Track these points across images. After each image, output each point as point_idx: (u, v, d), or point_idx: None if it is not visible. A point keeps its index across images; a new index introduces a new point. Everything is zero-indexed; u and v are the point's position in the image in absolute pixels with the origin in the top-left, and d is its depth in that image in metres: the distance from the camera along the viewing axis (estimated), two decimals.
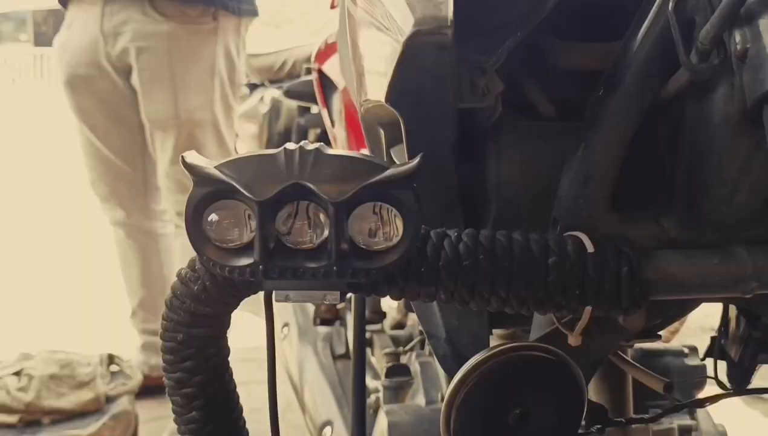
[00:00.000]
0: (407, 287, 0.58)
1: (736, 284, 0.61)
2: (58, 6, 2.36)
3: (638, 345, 0.99)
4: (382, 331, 1.55)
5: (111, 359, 1.90)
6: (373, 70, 0.62)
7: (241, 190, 0.53)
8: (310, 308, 1.72)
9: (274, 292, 0.58)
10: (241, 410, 0.69)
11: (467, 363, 0.61)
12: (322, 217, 0.53)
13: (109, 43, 2.22)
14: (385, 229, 0.54)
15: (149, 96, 2.25)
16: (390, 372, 1.20)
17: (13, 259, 4.52)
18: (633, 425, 0.84)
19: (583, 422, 0.65)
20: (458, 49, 0.60)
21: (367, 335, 1.51)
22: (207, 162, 0.54)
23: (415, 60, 0.55)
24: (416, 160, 0.54)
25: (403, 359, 1.30)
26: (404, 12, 0.55)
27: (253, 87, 3.09)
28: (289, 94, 2.34)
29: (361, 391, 1.19)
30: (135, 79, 2.25)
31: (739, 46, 0.51)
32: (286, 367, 1.75)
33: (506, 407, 0.61)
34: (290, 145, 0.54)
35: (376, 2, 0.61)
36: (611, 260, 0.58)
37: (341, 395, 1.53)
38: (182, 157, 0.55)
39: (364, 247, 0.54)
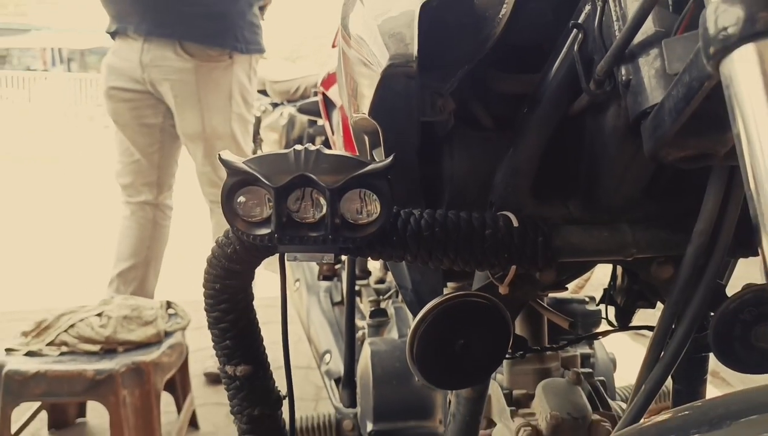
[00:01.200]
0: (383, 251, 0.59)
1: (620, 250, 0.61)
2: None
3: (552, 294, 0.99)
4: (368, 285, 1.55)
5: (168, 304, 1.89)
6: (360, 92, 0.61)
7: (262, 179, 0.53)
8: (315, 267, 1.71)
9: (285, 253, 0.58)
10: (262, 340, 0.69)
11: (426, 306, 0.61)
12: (321, 199, 0.54)
13: (146, 71, 2.19)
14: (367, 208, 0.55)
15: (182, 116, 2.23)
16: (372, 314, 1.20)
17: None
18: (547, 352, 0.85)
19: (509, 350, 0.65)
20: (422, 78, 0.60)
21: (357, 288, 1.52)
22: (237, 159, 0.55)
23: (389, 85, 0.55)
24: (389, 159, 0.54)
25: (383, 305, 1.30)
26: (382, 49, 0.55)
27: (275, 105, 3.07)
28: (301, 110, 2.32)
29: (351, 328, 1.19)
30: (169, 103, 2.22)
31: (624, 78, 0.51)
32: (298, 311, 1.75)
33: (453, 338, 0.61)
34: (298, 147, 0.55)
35: (362, 42, 0.61)
36: (530, 231, 0.59)
37: (337, 331, 1.53)
38: (219, 155, 0.56)
39: (351, 221, 0.55)
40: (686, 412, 0.48)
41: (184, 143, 2.30)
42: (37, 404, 1.87)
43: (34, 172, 7.81)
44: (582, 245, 0.61)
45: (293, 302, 1.81)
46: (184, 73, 2.17)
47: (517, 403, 0.82)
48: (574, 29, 0.55)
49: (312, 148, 0.54)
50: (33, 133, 10.12)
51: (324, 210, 0.54)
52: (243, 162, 0.54)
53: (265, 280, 2.57)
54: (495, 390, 0.84)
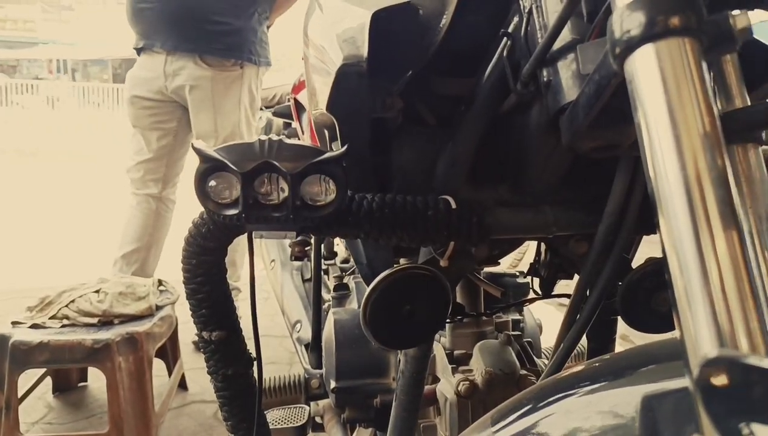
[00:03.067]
0: (340, 229, 0.57)
1: (543, 228, 0.61)
2: (131, 54, 2.29)
3: (489, 269, 0.99)
4: (334, 264, 1.53)
5: (160, 282, 1.84)
6: (319, 90, 0.60)
7: (230, 165, 0.51)
8: (289, 249, 1.69)
9: (253, 232, 0.56)
10: (235, 308, 0.67)
11: (377, 278, 0.60)
12: (283, 183, 0.52)
13: (168, 80, 2.18)
14: (324, 191, 0.53)
15: (197, 117, 2.21)
16: (336, 288, 1.19)
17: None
18: (483, 317, 0.85)
19: (449, 315, 0.65)
20: (374, 79, 0.59)
21: (325, 267, 1.50)
22: (208, 147, 0.52)
23: (343, 83, 0.53)
24: (344, 148, 0.53)
25: (345, 280, 1.28)
26: (337, 52, 0.53)
27: None
28: (275, 113, 2.28)
29: (318, 300, 1.18)
30: (189, 106, 2.20)
31: (545, 79, 0.50)
32: (274, 288, 1.72)
33: (400, 304, 0.60)
34: (263, 137, 0.53)
35: (320, 46, 0.59)
36: (466, 212, 0.58)
37: (307, 304, 1.51)
38: (192, 144, 0.53)
39: (311, 203, 0.53)
40: (596, 364, 0.49)
41: (198, 139, 2.26)
42: (42, 370, 1.81)
43: (46, 167, 7.56)
44: (510, 224, 0.60)
45: (270, 280, 1.78)
46: (202, 81, 2.16)
47: (458, 361, 0.81)
48: (504, 37, 0.55)
49: (275, 138, 0.52)
50: (44, 134, 9.80)
51: (286, 193, 0.52)
52: (213, 150, 0.52)
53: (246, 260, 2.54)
54: (439, 351, 0.84)
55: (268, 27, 2.41)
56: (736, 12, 0.36)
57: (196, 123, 2.21)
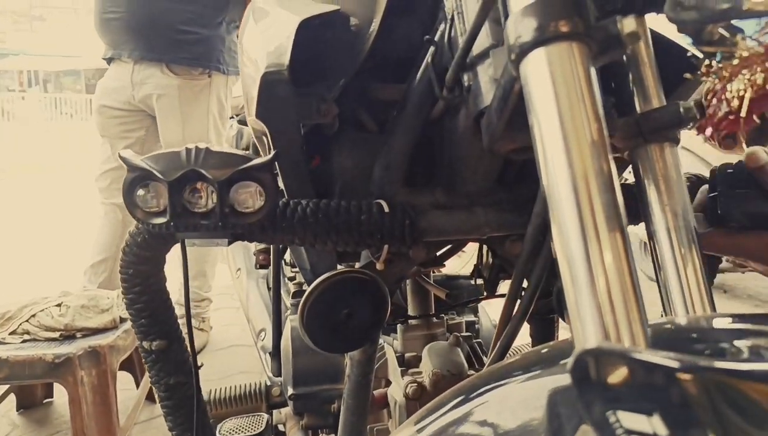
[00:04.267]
0: (275, 236, 0.58)
1: (476, 230, 0.62)
2: (103, 64, 2.29)
3: (442, 272, 1.00)
4: (299, 271, 1.53)
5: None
6: (251, 98, 0.60)
7: (157, 174, 0.51)
8: (254, 257, 1.68)
9: (185, 239, 0.57)
10: (176, 317, 0.67)
11: (315, 281, 0.61)
12: (211, 191, 0.52)
13: (136, 89, 2.18)
14: (253, 198, 0.54)
15: (165, 126, 2.22)
16: (294, 295, 1.19)
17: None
18: (433, 320, 0.86)
19: (389, 318, 0.65)
20: (310, 85, 0.60)
21: (292, 274, 1.50)
22: (135, 156, 0.53)
23: (268, 90, 0.54)
24: (271, 155, 0.53)
25: (304, 287, 1.28)
26: (262, 60, 0.54)
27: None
28: (239, 122, 2.29)
29: (278, 308, 1.18)
30: (156, 115, 2.20)
31: (467, 83, 0.52)
32: (240, 296, 1.72)
33: (338, 308, 0.61)
34: (190, 145, 0.53)
35: (250, 54, 0.60)
36: (399, 216, 0.59)
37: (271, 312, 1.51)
38: (119, 153, 0.54)
39: (240, 210, 0.53)
40: (519, 359, 0.50)
41: (165, 147, 2.25)
42: (5, 387, 1.78)
43: (20, 181, 7.43)
44: (444, 226, 0.61)
45: (236, 289, 1.77)
46: (169, 89, 2.17)
47: (408, 364, 0.82)
48: (429, 44, 0.56)
49: (202, 146, 0.53)
50: (16, 146, 9.63)
51: (215, 201, 0.52)
52: (141, 159, 0.52)
53: (219, 271, 2.52)
54: (390, 354, 0.84)
55: (237, 36, 2.43)
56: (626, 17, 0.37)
57: (164, 132, 2.21)
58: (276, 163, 0.55)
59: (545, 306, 0.67)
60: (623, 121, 0.52)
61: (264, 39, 0.56)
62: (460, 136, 0.59)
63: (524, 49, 0.36)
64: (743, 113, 0.39)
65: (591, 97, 0.35)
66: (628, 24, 0.37)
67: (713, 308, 0.50)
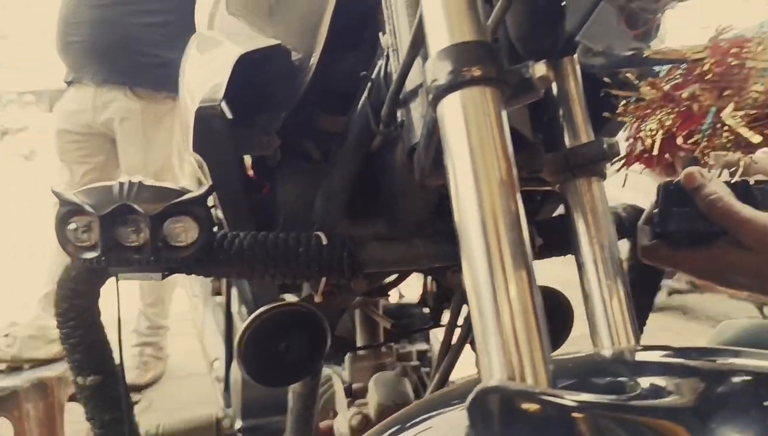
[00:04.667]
0: (212, 269, 0.57)
1: (414, 261, 0.63)
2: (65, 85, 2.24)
3: (395, 302, 1.01)
4: None
5: None
6: (188, 130, 0.61)
7: (88, 208, 0.51)
8: (210, 285, 1.67)
9: (119, 274, 0.56)
10: (111, 352, 0.66)
11: (253, 314, 0.61)
12: (143, 225, 0.52)
13: (98, 113, 2.13)
14: (186, 232, 0.53)
15: (126, 151, 2.16)
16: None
17: None
18: (382, 349, 0.86)
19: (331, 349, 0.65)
20: (253, 117, 0.61)
21: None
22: (67, 190, 0.52)
23: (201, 125, 0.54)
24: (205, 189, 0.53)
25: None
26: (198, 93, 0.55)
27: None
28: None
29: (230, 337, 1.17)
30: (118, 139, 2.15)
31: (400, 119, 0.53)
32: (195, 324, 1.69)
33: (276, 341, 0.61)
34: (123, 179, 0.53)
35: (187, 87, 0.61)
36: (338, 248, 0.59)
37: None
38: (51, 188, 0.53)
39: (173, 244, 0.53)
40: (456, 387, 0.50)
41: (127, 173, 2.21)
42: None
43: None
44: (383, 258, 0.62)
45: (192, 316, 1.74)
46: (132, 113, 2.12)
47: (355, 395, 0.82)
48: (366, 79, 0.57)
49: (135, 180, 0.53)
50: None
51: (146, 235, 0.52)
52: (73, 193, 0.52)
53: (178, 296, 2.48)
54: (337, 385, 0.84)
55: None
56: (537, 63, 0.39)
57: (125, 156, 2.16)
58: (215, 195, 0.55)
59: None
60: (552, 156, 0.54)
61: (202, 71, 0.57)
62: (397, 170, 0.60)
63: (440, 92, 0.37)
64: (655, 151, 0.41)
65: (502, 139, 0.36)
66: (539, 69, 0.38)
67: (637, 339, 0.52)
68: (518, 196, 0.36)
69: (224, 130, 0.55)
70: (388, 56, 0.56)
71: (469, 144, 0.36)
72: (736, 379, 0.35)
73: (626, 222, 0.70)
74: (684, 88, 0.35)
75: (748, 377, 0.35)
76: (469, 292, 0.34)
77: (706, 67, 0.34)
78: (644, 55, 0.36)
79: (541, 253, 0.65)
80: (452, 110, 0.37)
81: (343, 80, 0.65)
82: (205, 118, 0.53)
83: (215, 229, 0.57)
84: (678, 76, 0.35)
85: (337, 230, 0.62)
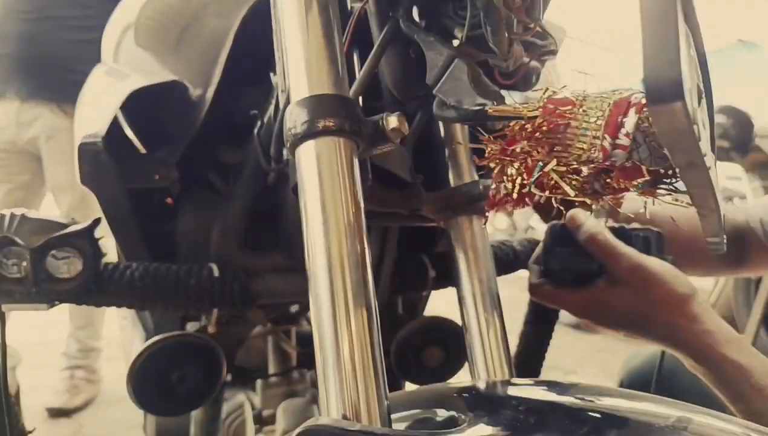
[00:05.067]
0: (101, 300, 0.58)
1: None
2: None
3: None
4: None
5: None
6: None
7: None
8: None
9: (3, 304, 0.56)
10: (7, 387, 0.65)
11: (146, 343, 0.61)
12: (25, 258, 0.52)
13: (22, 129, 2.03)
14: (70, 264, 0.54)
15: (53, 170, 2.07)
16: None
17: None
18: (294, 375, 0.87)
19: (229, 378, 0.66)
20: (154, 150, 0.61)
21: None
22: None
23: (84, 159, 0.55)
24: (89, 222, 0.54)
25: None
26: (83, 128, 0.55)
27: None
28: None
29: None
30: (43, 157, 2.07)
31: (286, 158, 0.55)
32: (125, 348, 1.65)
33: (169, 371, 0.61)
34: (5, 212, 0.53)
35: (79, 121, 0.61)
36: (229, 280, 0.60)
37: None
38: None
39: (56, 276, 0.53)
40: None
41: (53, 193, 2.14)
42: None
43: None
44: (278, 289, 0.63)
45: (121, 339, 1.71)
46: (60, 131, 2.03)
47: (264, 421, 0.82)
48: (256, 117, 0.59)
49: (18, 212, 0.53)
50: None
51: (28, 268, 0.52)
52: None
53: (112, 319, 2.41)
54: (247, 411, 0.84)
55: None
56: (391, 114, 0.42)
57: (52, 176, 2.09)
58: (106, 226, 0.56)
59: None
60: (433, 195, 0.57)
61: (93, 105, 0.58)
62: (290, 203, 0.61)
63: (296, 140, 0.40)
64: (515, 195, 0.43)
65: (352, 186, 0.39)
66: (392, 121, 0.41)
67: (511, 371, 0.54)
68: (365, 239, 0.38)
69: (107, 165, 0.55)
70: (277, 96, 0.58)
71: (321, 190, 0.38)
72: (564, 415, 0.37)
73: (522, 256, 0.73)
74: (518, 143, 0.38)
75: (582, 416, 0.37)
76: (314, 330, 0.36)
77: (537, 125, 0.38)
78: (488, 112, 0.39)
79: (434, 284, 0.67)
80: (307, 157, 0.39)
81: (245, 115, 0.67)
82: (86, 153, 0.54)
83: (106, 260, 0.57)
84: (516, 132, 0.38)
85: (234, 262, 0.64)
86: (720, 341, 0.56)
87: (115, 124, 0.56)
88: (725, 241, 0.51)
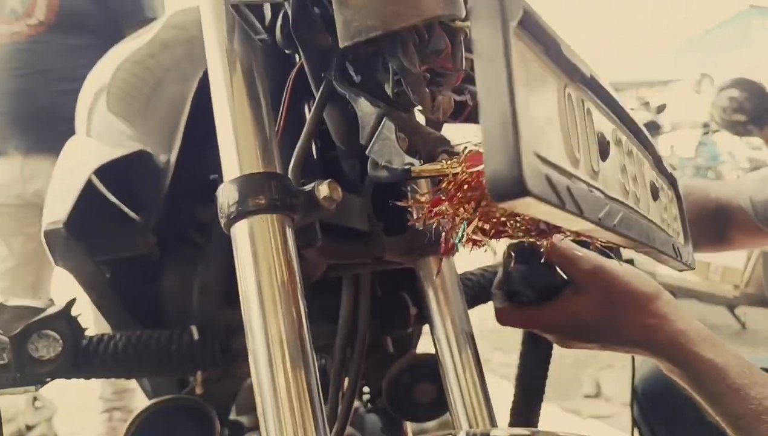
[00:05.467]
0: (89, 373, 0.59)
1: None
2: None
3: None
4: None
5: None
6: None
7: None
8: None
9: None
10: None
11: (138, 411, 0.62)
12: (6, 346, 0.54)
13: (27, 184, 2.08)
14: (51, 346, 0.55)
15: None
16: None
17: None
18: None
19: None
20: (124, 220, 0.63)
21: None
22: None
23: (50, 243, 0.57)
24: (65, 304, 0.56)
25: None
26: (47, 212, 0.57)
27: None
28: None
29: None
30: None
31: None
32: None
33: (165, 432, 0.62)
34: None
35: (46, 203, 0.63)
36: (209, 342, 0.61)
37: None
38: None
39: (38, 358, 0.55)
40: None
41: None
42: None
43: None
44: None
45: None
46: None
47: None
48: None
49: None
50: None
51: (10, 355, 0.54)
52: None
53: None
54: None
55: None
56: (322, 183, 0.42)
57: None
58: (85, 304, 0.58)
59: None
60: (396, 239, 0.57)
61: (59, 185, 0.60)
62: None
63: (229, 220, 0.40)
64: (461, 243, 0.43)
65: (287, 259, 0.40)
66: (323, 190, 0.42)
67: (492, 419, 0.53)
68: (302, 312, 0.39)
69: (73, 246, 0.57)
70: None
71: (256, 267, 0.39)
72: None
73: (488, 284, 0.72)
74: (442, 203, 0.38)
75: None
76: (255, 390, 0.37)
77: (460, 182, 0.38)
78: (413, 172, 0.39)
79: (417, 320, 0.67)
80: (241, 235, 0.40)
81: (212, 169, 0.68)
82: (52, 237, 0.56)
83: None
84: (442, 190, 0.38)
85: (215, 319, 0.64)
86: (693, 339, 0.54)
87: (83, 199, 0.58)
88: (690, 260, 0.50)
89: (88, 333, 0.59)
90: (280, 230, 0.40)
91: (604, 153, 0.32)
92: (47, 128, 2.07)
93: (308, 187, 0.42)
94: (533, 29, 0.26)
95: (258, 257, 0.39)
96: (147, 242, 0.64)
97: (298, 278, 0.39)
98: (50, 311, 0.55)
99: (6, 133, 2.10)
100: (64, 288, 0.63)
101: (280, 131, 0.49)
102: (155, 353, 0.59)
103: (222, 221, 0.41)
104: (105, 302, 0.62)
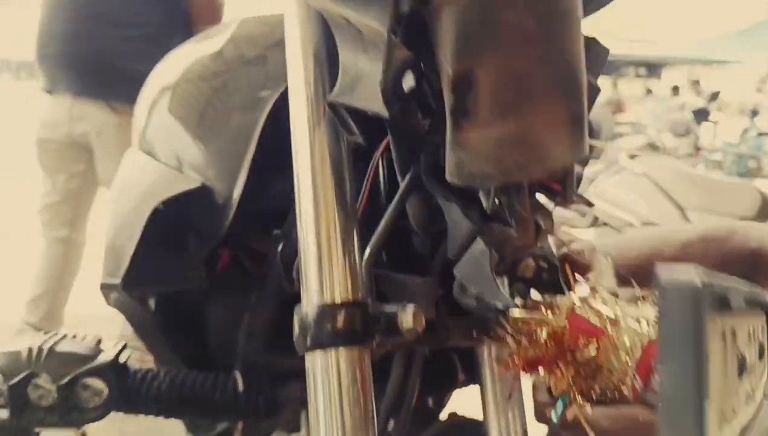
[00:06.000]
0: (130, 411, 0.58)
1: None
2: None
3: None
4: None
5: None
6: None
7: None
8: None
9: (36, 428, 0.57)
10: None
11: None
12: (52, 392, 0.53)
13: (74, 124, 2.12)
14: (97, 394, 0.54)
15: (103, 165, 2.15)
16: None
17: None
18: None
19: None
20: (178, 253, 0.61)
21: None
22: None
23: (107, 295, 0.55)
24: (116, 353, 0.54)
25: None
26: (105, 263, 0.55)
27: None
28: None
29: None
30: (95, 151, 2.14)
31: None
32: None
33: None
34: (33, 344, 0.54)
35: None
36: (254, 393, 0.60)
37: None
38: None
39: (83, 405, 0.54)
40: None
41: (105, 186, 2.24)
42: None
43: None
44: (305, 395, 0.62)
45: None
46: (108, 127, 2.10)
47: None
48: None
49: (46, 345, 0.53)
50: None
51: (56, 400, 0.53)
52: None
53: None
54: None
55: None
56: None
57: (102, 170, 2.16)
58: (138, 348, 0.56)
59: None
60: (456, 321, 0.53)
61: (110, 233, 0.57)
62: None
63: (306, 348, 0.38)
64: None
65: (365, 395, 0.38)
66: (406, 321, 0.39)
67: None
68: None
69: (126, 301, 0.55)
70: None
71: (330, 401, 0.37)
72: None
73: None
74: (542, 361, 0.35)
75: None
76: None
77: (561, 337, 0.34)
78: (511, 315, 0.36)
79: (462, 383, 0.66)
80: (313, 366, 0.38)
81: (273, 202, 0.65)
82: (107, 292, 0.54)
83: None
84: (540, 339, 0.35)
85: (260, 365, 0.63)
86: None
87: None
88: None
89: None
90: (360, 363, 0.38)
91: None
92: (97, 73, 2.07)
93: (390, 310, 0.39)
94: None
95: (332, 391, 0.37)
96: (198, 275, 0.62)
97: (371, 409, 0.37)
98: (99, 359, 0.53)
99: (57, 74, 2.11)
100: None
101: (360, 212, 0.46)
102: (199, 398, 0.58)
103: (297, 345, 0.39)
104: (152, 340, 0.61)
